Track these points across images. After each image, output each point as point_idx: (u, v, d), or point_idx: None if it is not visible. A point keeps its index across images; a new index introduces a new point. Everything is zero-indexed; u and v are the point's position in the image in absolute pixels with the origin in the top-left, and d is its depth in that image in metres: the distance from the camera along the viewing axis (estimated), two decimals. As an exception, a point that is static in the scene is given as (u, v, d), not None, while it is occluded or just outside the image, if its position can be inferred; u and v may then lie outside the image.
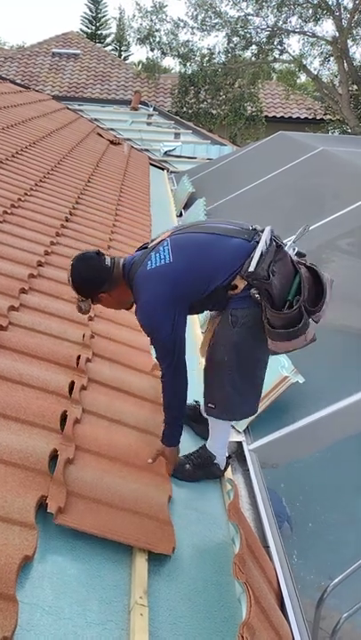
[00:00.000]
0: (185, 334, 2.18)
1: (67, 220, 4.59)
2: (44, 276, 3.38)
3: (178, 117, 14.36)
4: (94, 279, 2.27)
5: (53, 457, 1.96)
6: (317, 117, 18.79)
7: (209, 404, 2.32)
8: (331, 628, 2.30)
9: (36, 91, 13.27)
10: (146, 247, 2.31)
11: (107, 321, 3.25)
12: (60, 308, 3.07)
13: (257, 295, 2.09)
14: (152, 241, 2.31)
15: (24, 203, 4.45)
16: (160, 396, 2.66)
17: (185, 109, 18.10)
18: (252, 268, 2.07)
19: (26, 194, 4.68)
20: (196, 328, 3.60)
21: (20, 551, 1.53)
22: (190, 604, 1.76)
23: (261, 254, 2.08)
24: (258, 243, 2.12)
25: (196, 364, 2.97)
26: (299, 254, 2.26)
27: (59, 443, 2.02)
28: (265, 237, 2.13)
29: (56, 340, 2.77)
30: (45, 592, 1.57)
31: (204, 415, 2.44)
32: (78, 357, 2.64)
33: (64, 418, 2.20)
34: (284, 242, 2.24)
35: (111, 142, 10.13)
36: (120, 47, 30.53)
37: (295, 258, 2.22)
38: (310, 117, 18.96)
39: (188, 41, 18.71)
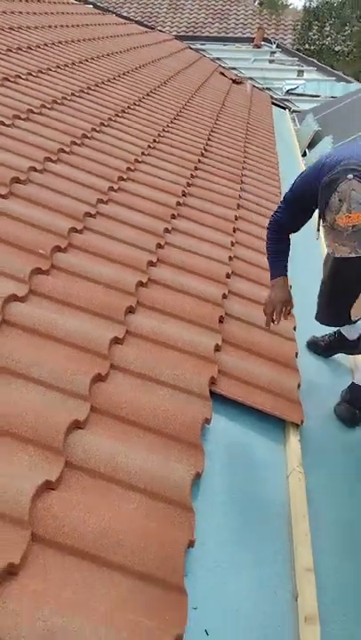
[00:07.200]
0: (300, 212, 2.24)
1: (202, 155, 4.79)
2: (188, 205, 3.65)
3: (301, 54, 13.89)
4: None
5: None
6: None
7: None
8: None
9: (160, 31, 13.34)
10: None
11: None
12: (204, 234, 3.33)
13: None
14: None
15: (162, 138, 4.71)
16: None
17: (307, 46, 17.39)
18: None
19: (164, 129, 4.94)
20: None
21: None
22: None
23: None
24: None
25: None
26: None
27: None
28: None
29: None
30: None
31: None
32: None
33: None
34: None
35: (234, 81, 10.08)
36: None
37: None
38: None
39: (313, -29, 17.83)
